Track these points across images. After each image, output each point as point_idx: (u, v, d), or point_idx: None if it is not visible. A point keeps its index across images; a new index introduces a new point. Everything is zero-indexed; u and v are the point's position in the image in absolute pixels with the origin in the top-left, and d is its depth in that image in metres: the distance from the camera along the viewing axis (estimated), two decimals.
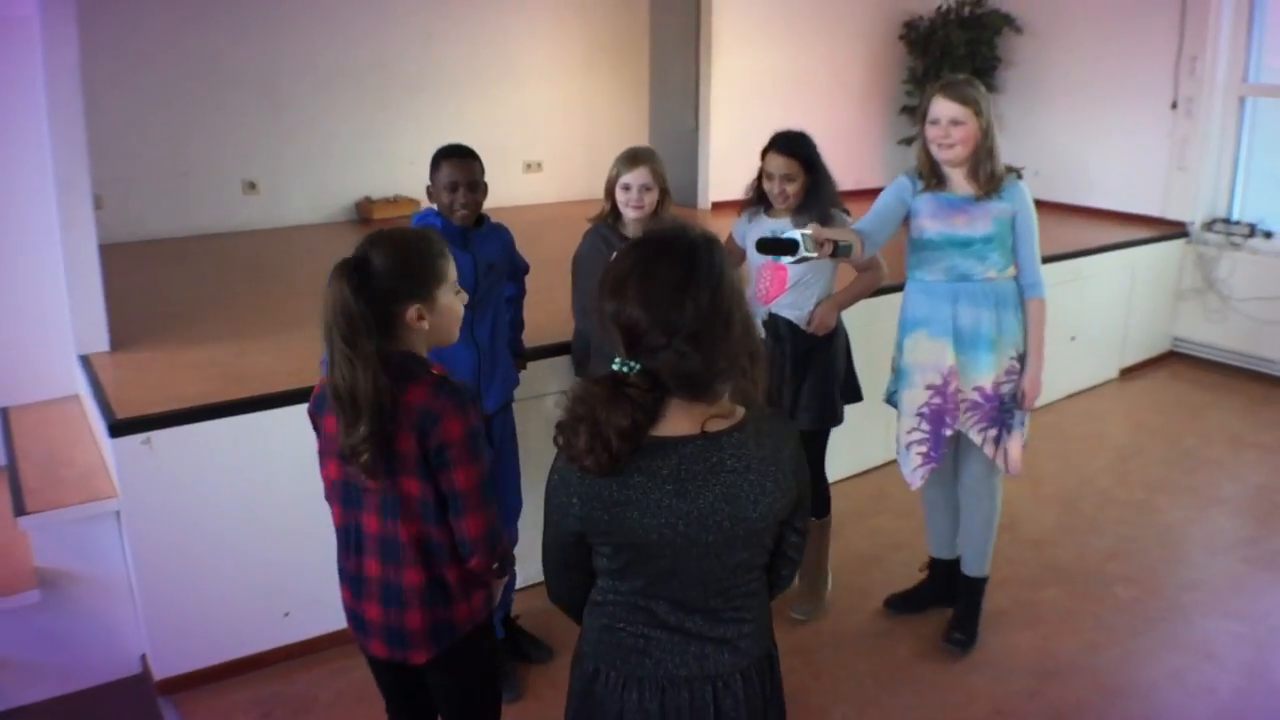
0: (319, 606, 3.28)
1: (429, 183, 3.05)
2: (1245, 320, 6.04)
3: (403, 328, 1.94)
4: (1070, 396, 5.80)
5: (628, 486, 1.53)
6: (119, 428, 2.86)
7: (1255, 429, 5.36)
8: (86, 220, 3.35)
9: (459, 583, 2.01)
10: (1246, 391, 5.90)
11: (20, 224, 3.51)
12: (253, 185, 5.90)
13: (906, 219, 3.18)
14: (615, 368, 1.52)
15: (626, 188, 3.23)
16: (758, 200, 3.47)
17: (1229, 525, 4.34)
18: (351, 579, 2.08)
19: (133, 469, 2.91)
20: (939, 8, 7.08)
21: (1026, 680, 3.27)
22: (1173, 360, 6.42)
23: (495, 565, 2.01)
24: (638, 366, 1.51)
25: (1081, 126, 6.57)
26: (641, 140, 7.40)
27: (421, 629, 2.00)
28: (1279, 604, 3.72)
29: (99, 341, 3.48)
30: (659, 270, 1.51)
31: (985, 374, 3.17)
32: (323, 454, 2.05)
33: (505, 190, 6.77)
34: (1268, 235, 6.02)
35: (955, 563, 3.57)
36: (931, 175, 3.13)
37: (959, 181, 3.10)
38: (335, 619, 3.32)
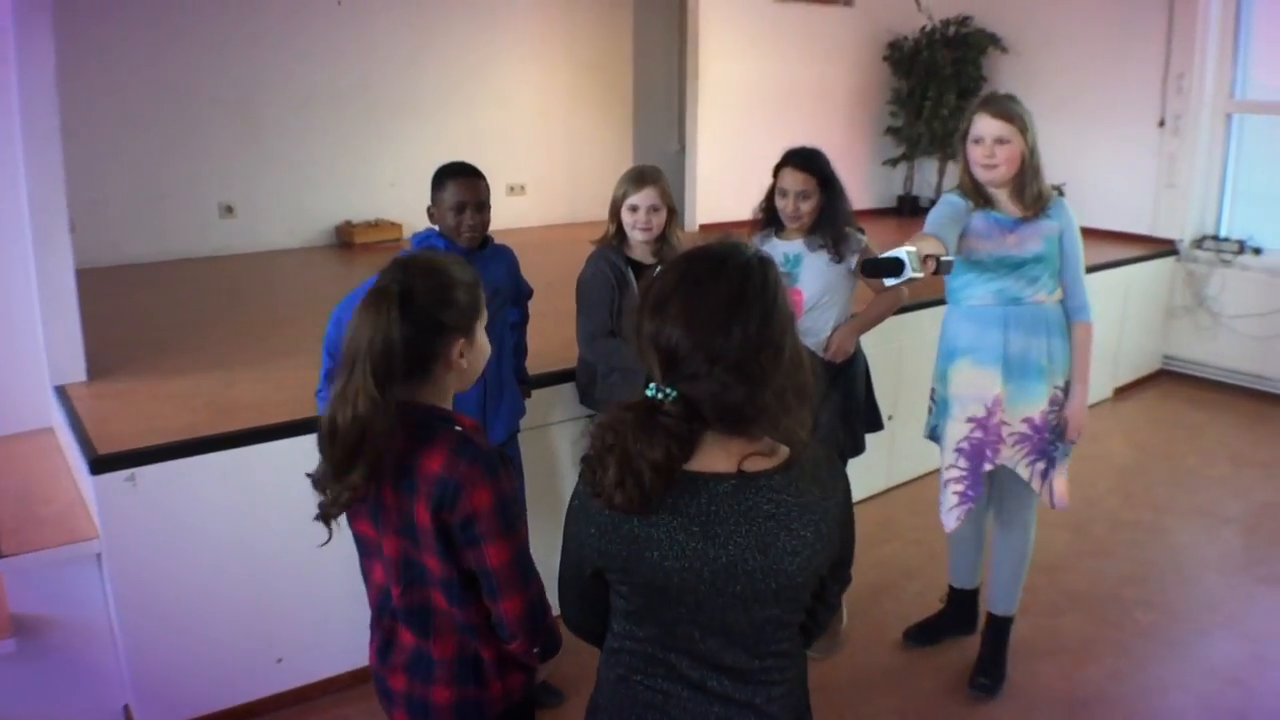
0: (313, 652, 3.12)
1: (430, 203, 2.92)
2: (1236, 337, 6.01)
3: (440, 369, 1.72)
4: None
5: (650, 523, 1.38)
6: (101, 464, 2.67)
7: (1255, 446, 5.31)
8: (62, 243, 3.17)
9: (495, 663, 1.77)
10: (1241, 409, 5.86)
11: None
12: (230, 209, 5.72)
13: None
14: (650, 393, 1.37)
15: (634, 209, 3.12)
16: (768, 221, 3.37)
17: (1239, 545, 4.26)
18: (382, 644, 1.83)
19: (115, 508, 2.72)
20: (923, 28, 7.06)
21: (1055, 712, 3.15)
22: (1164, 378, 6.38)
23: (537, 649, 1.76)
24: (674, 394, 1.35)
25: (1069, 145, 6.48)
26: (625, 163, 7.29)
27: (448, 706, 1.76)
28: None
29: (75, 371, 3.29)
30: (707, 289, 1.36)
31: (1035, 404, 3.00)
32: (353, 512, 1.78)
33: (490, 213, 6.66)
34: (1257, 252, 6.01)
35: (973, 592, 3.46)
36: (977, 196, 2.97)
37: (1004, 202, 2.96)
38: (330, 665, 3.17)
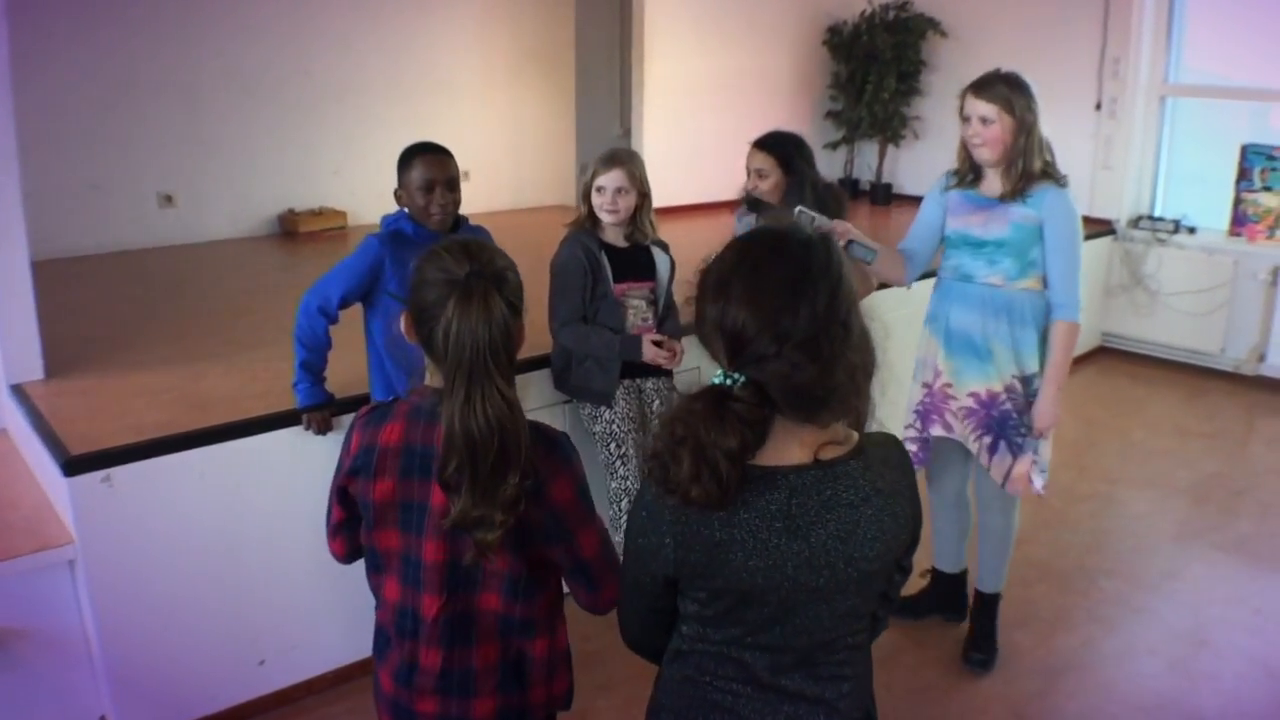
0: (296, 653, 3.04)
1: (397, 185, 2.84)
2: (1173, 314, 6.19)
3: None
4: None
5: (732, 524, 1.32)
6: (74, 465, 2.54)
7: (1197, 419, 5.49)
8: (17, 233, 3.01)
9: (544, 663, 1.69)
10: (1181, 383, 6.05)
11: None
12: (169, 198, 5.50)
13: None
14: (718, 380, 1.32)
15: (601, 190, 3.13)
16: (748, 203, 3.44)
17: (1193, 513, 4.40)
18: (402, 667, 1.69)
19: (91, 511, 2.59)
20: (863, 12, 7.11)
21: (1035, 680, 3.22)
22: (1103, 355, 6.55)
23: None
24: (743, 379, 1.31)
25: None
26: (569, 147, 7.26)
27: (490, 716, 1.67)
28: (1257, 589, 3.77)
29: (32, 369, 3.13)
30: (770, 267, 1.32)
31: (979, 381, 3.04)
32: (374, 524, 1.66)
33: None
34: (1191, 230, 6.19)
35: (958, 577, 3.50)
36: (969, 171, 3.03)
37: (992, 180, 2.98)
38: (313, 666, 3.09)
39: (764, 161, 3.31)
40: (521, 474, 1.50)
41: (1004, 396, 3.03)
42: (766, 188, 3.28)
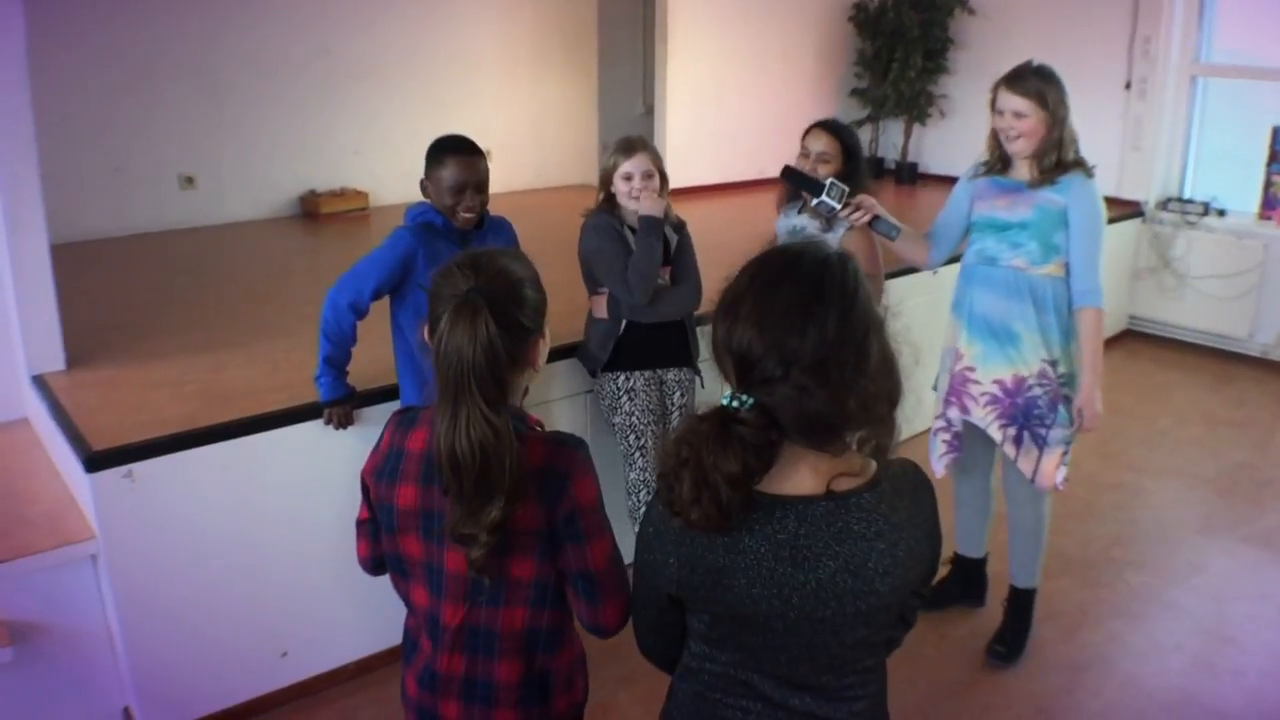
0: (318, 645, 3.05)
1: (424, 179, 2.79)
2: (1201, 298, 6.10)
3: (518, 373, 1.60)
4: None
5: (736, 551, 1.30)
6: (96, 461, 2.54)
7: (1225, 406, 5.42)
8: (37, 222, 3.00)
9: (565, 674, 1.68)
10: (1208, 369, 5.97)
11: None
12: (190, 180, 5.49)
13: None
14: (725, 403, 1.29)
15: (629, 177, 3.12)
16: (791, 195, 3.39)
17: (1220, 505, 4.35)
18: (425, 673, 1.69)
19: (113, 506, 2.59)
20: None
21: (1060, 676, 3.20)
22: (1130, 339, 6.47)
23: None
24: (751, 402, 1.27)
25: None
26: (591, 126, 7.20)
27: None
28: None
29: (54, 359, 3.13)
30: (779, 287, 1.28)
31: (1004, 368, 3.02)
32: (397, 529, 1.65)
33: None
34: (1221, 213, 6.08)
35: (980, 561, 3.48)
36: (997, 160, 3.05)
37: (1021, 168, 3.00)
38: (335, 657, 3.10)
39: (829, 145, 3.22)
40: (508, 500, 1.49)
41: (1032, 382, 3.00)
42: (826, 173, 3.23)
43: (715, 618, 1.37)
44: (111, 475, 2.57)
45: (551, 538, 1.57)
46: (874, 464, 1.36)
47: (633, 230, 3.18)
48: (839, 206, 2.92)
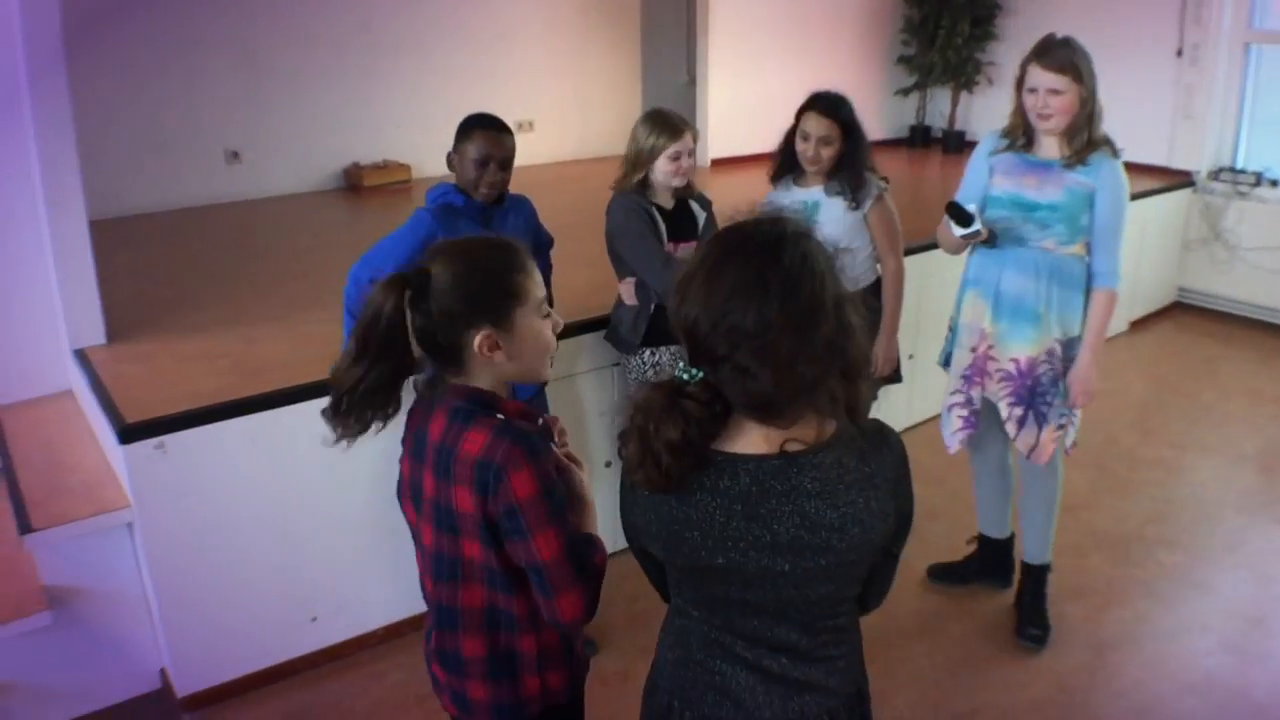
0: (347, 610, 3.13)
1: (452, 151, 2.82)
2: (1252, 270, 5.96)
3: (471, 360, 1.61)
4: None
5: (689, 505, 1.35)
6: (129, 433, 2.64)
7: (1272, 382, 5.29)
8: (76, 200, 3.10)
9: (534, 656, 1.69)
10: (1257, 343, 5.83)
11: (5, 205, 3.22)
12: (235, 155, 5.62)
13: None
14: (677, 374, 1.34)
15: (677, 157, 3.08)
16: (786, 167, 3.31)
17: (1259, 483, 4.26)
18: (429, 631, 1.78)
19: (146, 476, 2.69)
20: None
21: (1083, 654, 3.18)
22: (1178, 311, 6.34)
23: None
24: (700, 375, 1.32)
25: None
26: (634, 96, 7.18)
27: (485, 703, 1.71)
28: None
29: (94, 334, 3.24)
30: (726, 266, 1.29)
31: (1023, 347, 3.00)
32: (402, 494, 1.75)
33: None
34: (1274, 184, 5.91)
35: (1004, 543, 3.46)
36: (1021, 135, 2.98)
37: (1048, 144, 2.93)
38: (364, 622, 3.19)
39: (830, 129, 3.14)
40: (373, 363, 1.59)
41: (1042, 359, 2.99)
42: (828, 154, 3.17)
43: (681, 571, 1.43)
44: (144, 446, 2.66)
45: (490, 528, 1.58)
46: (833, 425, 1.38)
47: (662, 210, 3.17)
48: (983, 233, 2.91)
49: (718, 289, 1.28)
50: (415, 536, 1.74)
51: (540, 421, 1.70)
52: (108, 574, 2.82)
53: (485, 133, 2.77)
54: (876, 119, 7.32)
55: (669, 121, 3.11)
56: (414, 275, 1.59)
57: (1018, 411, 3.04)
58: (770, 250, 1.29)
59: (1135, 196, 5.57)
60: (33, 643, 2.70)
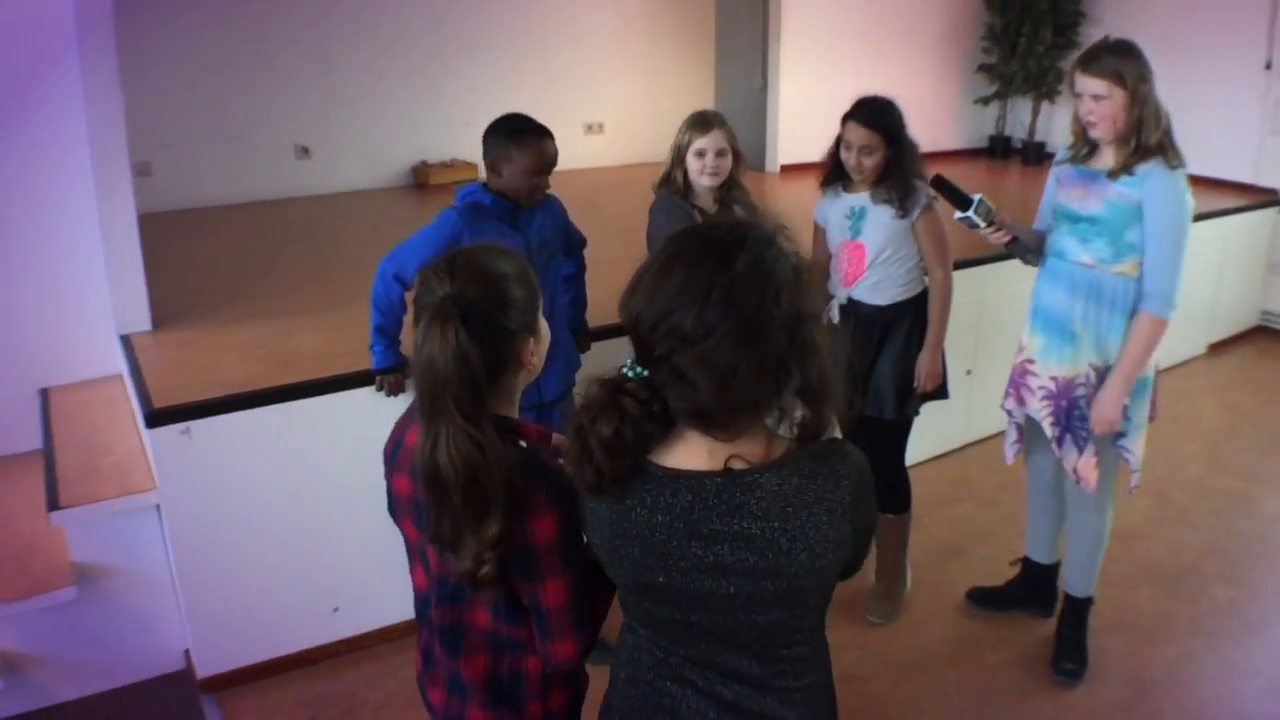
0: (368, 602, 3.17)
1: (498, 155, 2.74)
2: None
3: (509, 376, 1.53)
4: (1157, 374, 5.45)
5: (628, 520, 1.30)
6: (156, 417, 2.71)
7: None
8: (125, 191, 3.19)
9: (539, 678, 1.62)
10: None
11: (62, 194, 3.36)
12: (305, 150, 5.74)
13: None
14: (622, 370, 1.29)
15: (701, 153, 3.03)
16: (835, 174, 3.23)
17: None
18: (424, 653, 1.71)
19: (171, 461, 2.77)
20: None
21: (1120, 691, 3.04)
22: (1261, 335, 6.05)
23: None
24: (642, 373, 1.27)
25: (1169, 87, 6.05)
26: (707, 101, 7.13)
27: None
28: None
29: (140, 320, 3.34)
30: (679, 265, 1.23)
31: (1062, 366, 2.88)
32: (397, 512, 1.66)
33: (565, 152, 6.49)
34: None
35: (1049, 568, 3.32)
36: (1083, 144, 2.86)
37: (1106, 154, 2.79)
38: (385, 615, 3.22)
39: (870, 138, 3.03)
40: (504, 515, 1.42)
41: (1080, 380, 2.87)
42: (871, 164, 3.08)
43: (625, 588, 1.39)
44: (170, 431, 2.73)
45: (499, 559, 1.47)
46: (785, 443, 1.32)
47: (704, 213, 3.14)
48: (984, 226, 2.83)
49: (664, 287, 1.23)
50: (416, 555, 1.67)
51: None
52: (136, 554, 2.91)
53: (542, 142, 2.75)
54: (954, 128, 7.16)
55: (702, 118, 3.07)
56: (455, 303, 1.43)
57: (1056, 432, 2.94)
58: (724, 254, 1.23)
59: (1216, 214, 5.44)
60: (59, 617, 2.80)
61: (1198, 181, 5.70)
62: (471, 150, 6.13)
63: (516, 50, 6.28)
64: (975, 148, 7.39)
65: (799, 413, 1.33)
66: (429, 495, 1.44)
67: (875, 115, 3.06)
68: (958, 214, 2.85)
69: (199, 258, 4.37)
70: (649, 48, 6.87)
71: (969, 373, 4.38)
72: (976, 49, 7.10)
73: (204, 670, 2.98)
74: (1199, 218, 5.22)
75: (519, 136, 2.75)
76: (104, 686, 2.97)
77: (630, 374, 1.28)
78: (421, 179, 6.07)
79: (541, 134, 2.77)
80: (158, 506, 2.85)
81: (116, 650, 2.95)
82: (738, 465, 1.28)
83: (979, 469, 4.40)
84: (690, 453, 1.30)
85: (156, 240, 3.34)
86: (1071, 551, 3.14)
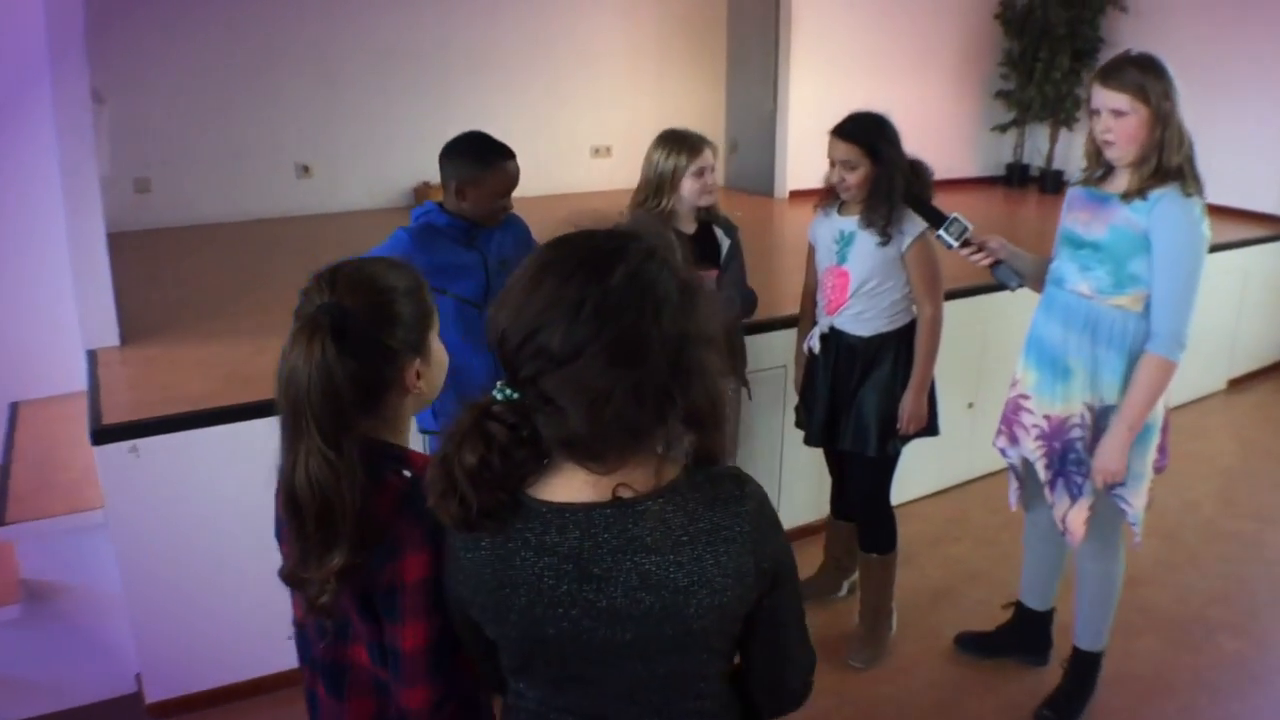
0: None
1: (461, 179, 2.66)
2: None
3: (393, 399, 1.43)
4: (1173, 410, 5.24)
5: (511, 565, 1.16)
6: (103, 434, 2.64)
7: None
8: (93, 207, 3.15)
9: (425, 713, 1.42)
10: None
11: (36, 209, 3.33)
12: (306, 169, 5.73)
13: None
14: (494, 392, 1.15)
15: (701, 173, 2.98)
16: (833, 193, 3.11)
17: None
18: (308, 693, 1.59)
19: (119, 479, 2.69)
20: None
21: None
22: None
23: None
24: (513, 396, 1.13)
25: (1191, 115, 5.89)
26: (718, 123, 7.06)
27: None
28: None
29: (108, 335, 3.29)
30: (549, 276, 1.11)
31: (1054, 404, 2.68)
32: (280, 536, 1.56)
33: (572, 175, 6.51)
34: None
35: (1043, 615, 3.15)
36: (1097, 165, 2.62)
37: (1120, 178, 2.56)
38: None
39: (849, 152, 2.92)
40: (353, 548, 1.31)
41: (1074, 420, 2.66)
42: (855, 180, 2.96)
43: (509, 642, 1.23)
44: (117, 449, 2.66)
45: (367, 597, 1.38)
46: (676, 468, 1.19)
47: (681, 235, 3.06)
48: (956, 244, 2.67)
49: (532, 300, 1.11)
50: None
51: None
52: (87, 573, 2.84)
53: (506, 165, 2.68)
54: (970, 155, 7.03)
55: (687, 139, 3.01)
56: (328, 314, 1.33)
57: (1048, 475, 2.74)
58: (598, 265, 1.11)
59: (1237, 245, 5.24)
60: (6, 635, 2.73)
61: (1219, 212, 5.57)
62: None
63: (526, 73, 6.25)
64: (992, 175, 7.26)
65: (688, 439, 1.20)
66: (287, 518, 1.34)
67: (853, 128, 2.94)
68: (934, 233, 2.74)
69: (187, 274, 4.33)
70: (659, 71, 6.82)
71: (970, 406, 4.23)
72: (994, 74, 6.98)
73: (153, 695, 2.89)
74: (1218, 248, 5.09)
75: (484, 160, 2.67)
76: (52, 708, 2.88)
77: (500, 396, 1.15)
78: (423, 199, 6.00)
79: (505, 156, 2.69)
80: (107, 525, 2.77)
81: (66, 671, 2.87)
82: (626, 493, 1.15)
83: (979, 507, 4.24)
84: (572, 484, 1.17)
85: (149, 256, 3.30)
86: (1078, 600, 2.93)
